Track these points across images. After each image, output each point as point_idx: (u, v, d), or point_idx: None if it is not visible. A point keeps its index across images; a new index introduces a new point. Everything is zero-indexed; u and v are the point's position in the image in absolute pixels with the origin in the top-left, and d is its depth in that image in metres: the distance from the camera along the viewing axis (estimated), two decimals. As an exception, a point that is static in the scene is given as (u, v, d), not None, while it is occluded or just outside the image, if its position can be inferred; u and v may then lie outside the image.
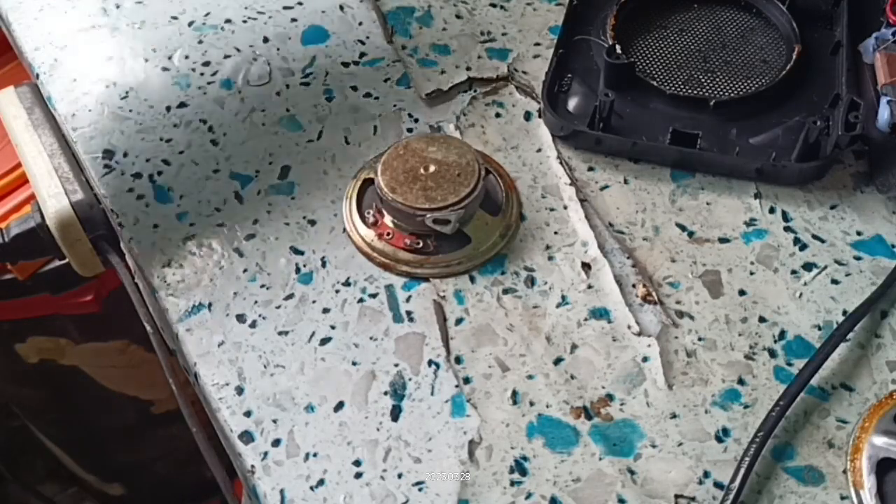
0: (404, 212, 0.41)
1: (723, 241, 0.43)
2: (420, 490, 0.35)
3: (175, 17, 0.53)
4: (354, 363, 0.39)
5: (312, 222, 0.44)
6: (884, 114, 0.44)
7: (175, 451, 0.93)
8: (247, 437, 0.37)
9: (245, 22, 0.53)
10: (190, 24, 0.53)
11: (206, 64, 0.51)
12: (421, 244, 0.42)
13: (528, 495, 0.35)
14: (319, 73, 0.50)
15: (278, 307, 0.41)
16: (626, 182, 0.45)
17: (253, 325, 0.40)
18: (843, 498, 0.35)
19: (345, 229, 0.43)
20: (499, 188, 0.44)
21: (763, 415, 0.36)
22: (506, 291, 0.41)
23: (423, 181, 0.41)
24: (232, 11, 0.53)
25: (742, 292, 0.41)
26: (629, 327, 0.40)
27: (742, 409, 0.37)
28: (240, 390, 0.38)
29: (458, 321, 0.40)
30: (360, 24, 0.53)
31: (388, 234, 0.42)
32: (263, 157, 0.46)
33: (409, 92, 0.49)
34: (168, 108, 0.49)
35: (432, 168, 0.42)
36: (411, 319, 0.40)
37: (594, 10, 0.51)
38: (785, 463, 0.36)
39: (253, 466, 0.36)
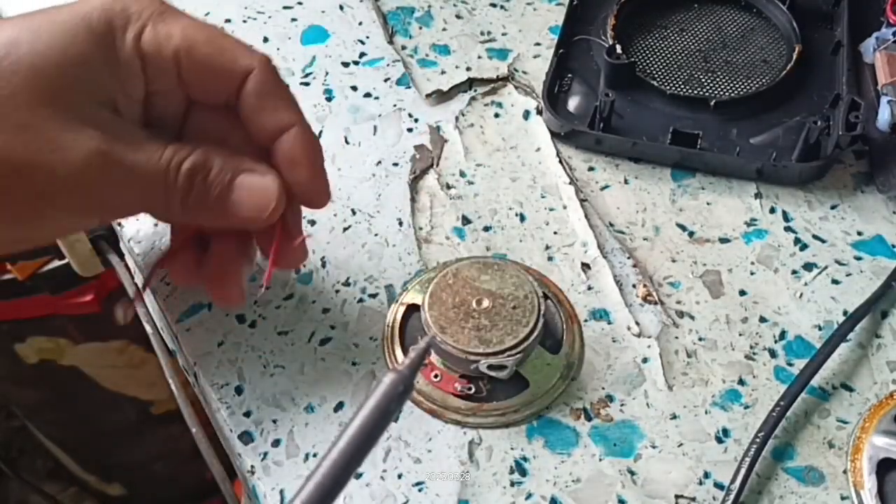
0: (455, 356, 0.36)
1: (723, 241, 0.43)
2: (420, 490, 0.35)
3: (175, 17, 0.53)
4: (354, 363, 0.39)
5: (312, 222, 0.44)
6: (884, 114, 0.44)
7: (175, 451, 0.93)
8: (246, 437, 0.37)
9: (245, 22, 0.53)
10: (190, 23, 0.53)
11: (206, 64, 0.51)
12: (473, 389, 0.37)
13: (528, 496, 0.35)
14: (319, 72, 0.50)
15: (278, 307, 0.41)
16: (626, 182, 0.45)
17: (253, 325, 0.40)
18: (843, 498, 0.35)
19: (388, 366, 0.39)
20: (558, 318, 0.39)
21: (763, 415, 0.36)
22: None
23: (477, 319, 0.36)
24: (231, 11, 0.53)
25: (742, 292, 0.41)
26: (629, 328, 0.40)
27: (742, 409, 0.37)
28: (239, 390, 0.38)
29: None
30: (360, 23, 0.53)
31: (437, 375, 0.37)
32: (263, 157, 0.46)
33: (410, 92, 0.49)
34: (168, 108, 0.49)
35: (486, 302, 0.37)
36: (411, 319, 0.40)
37: (594, 9, 0.51)
38: (785, 463, 0.36)
39: (252, 467, 0.36)
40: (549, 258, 0.42)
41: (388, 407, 0.27)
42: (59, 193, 0.30)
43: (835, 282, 0.41)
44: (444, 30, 0.53)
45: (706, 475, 0.35)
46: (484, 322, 0.36)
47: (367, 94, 0.49)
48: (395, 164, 0.46)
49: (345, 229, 0.44)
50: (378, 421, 0.27)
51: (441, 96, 0.49)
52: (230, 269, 0.35)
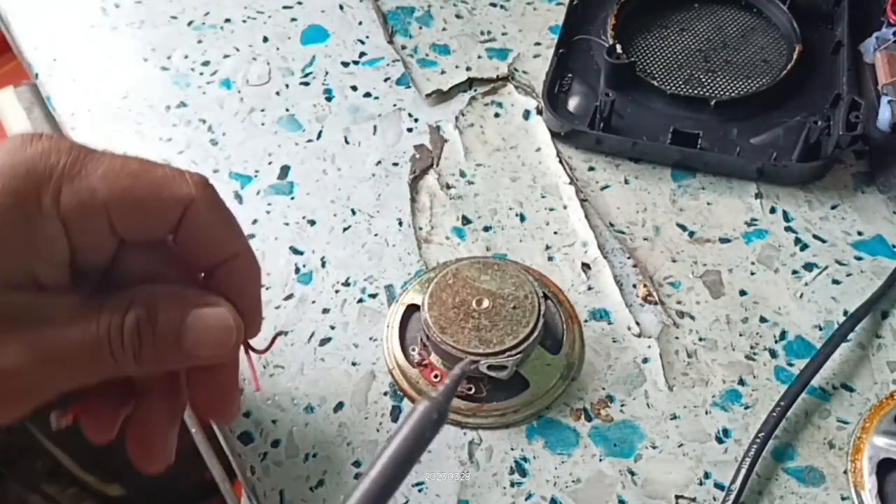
0: (455, 356, 0.36)
1: (724, 241, 0.43)
2: (420, 491, 0.35)
3: (174, 17, 0.53)
4: (354, 363, 0.39)
5: (312, 222, 0.44)
6: (884, 113, 0.44)
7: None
8: (246, 437, 0.36)
9: (244, 21, 0.53)
10: (189, 23, 0.53)
11: (206, 63, 0.51)
12: (473, 390, 0.37)
13: (529, 496, 0.35)
14: (319, 72, 0.50)
15: (278, 307, 0.41)
16: (626, 182, 0.45)
17: (252, 325, 0.40)
18: (843, 498, 0.35)
19: (388, 367, 0.39)
20: (558, 318, 0.39)
21: (764, 415, 0.36)
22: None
23: (477, 319, 0.36)
24: (231, 11, 0.53)
25: (743, 292, 0.41)
26: (629, 328, 0.40)
27: (743, 409, 0.37)
28: (239, 390, 0.38)
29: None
30: (360, 23, 0.53)
31: (437, 376, 0.37)
32: (263, 156, 0.46)
33: (409, 92, 0.49)
34: (167, 108, 0.49)
35: (486, 303, 0.37)
36: (411, 320, 0.40)
37: (594, 9, 0.51)
38: (786, 464, 0.36)
39: (252, 467, 0.36)
40: (550, 258, 0.42)
41: (422, 434, 0.27)
42: None
43: (835, 282, 0.41)
44: (444, 30, 0.53)
45: (706, 475, 0.35)
46: (484, 322, 0.36)
47: (367, 94, 0.49)
48: (395, 164, 0.46)
49: (345, 229, 0.43)
50: (412, 449, 0.27)
51: (441, 96, 0.49)
52: (157, 428, 0.32)
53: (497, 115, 0.49)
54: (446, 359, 0.37)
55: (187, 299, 0.30)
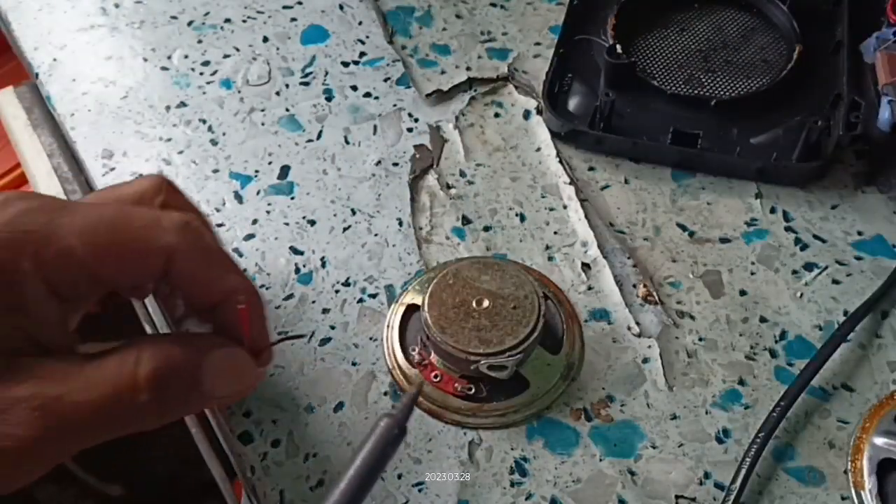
0: (455, 356, 0.36)
1: (724, 241, 0.43)
2: (420, 491, 0.35)
3: (174, 17, 0.53)
4: (354, 363, 0.39)
5: (312, 222, 0.44)
6: (884, 114, 0.44)
7: (175, 452, 0.93)
8: (246, 437, 0.36)
9: (244, 21, 0.53)
10: (189, 23, 0.53)
11: (206, 63, 0.51)
12: (473, 389, 0.37)
13: (529, 496, 0.35)
14: (319, 72, 0.50)
15: (278, 307, 0.41)
16: (626, 182, 0.45)
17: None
18: (843, 498, 0.35)
19: (388, 367, 0.39)
20: (558, 318, 0.39)
21: (764, 415, 0.36)
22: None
23: (477, 319, 0.36)
24: (231, 11, 0.53)
25: (743, 292, 0.41)
26: (629, 328, 0.40)
27: (743, 409, 0.37)
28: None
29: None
30: (360, 23, 0.53)
31: (437, 376, 0.37)
32: (263, 156, 0.46)
33: (409, 92, 0.49)
34: (167, 108, 0.49)
35: (486, 303, 0.36)
36: (411, 320, 0.40)
37: (595, 9, 0.51)
38: (786, 464, 0.36)
39: (252, 467, 0.36)
40: (550, 258, 0.42)
41: (384, 450, 0.29)
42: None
43: (835, 282, 0.41)
44: (444, 30, 0.53)
45: (706, 475, 0.35)
46: (484, 322, 0.36)
47: (367, 94, 0.49)
48: (395, 164, 0.46)
49: (345, 229, 0.43)
50: (376, 463, 0.29)
51: (441, 96, 0.49)
52: None
53: (497, 115, 0.49)
54: (446, 359, 0.37)
55: (200, 344, 0.30)
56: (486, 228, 0.44)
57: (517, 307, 0.36)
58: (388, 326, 0.40)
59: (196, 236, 0.30)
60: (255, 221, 0.44)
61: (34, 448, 0.27)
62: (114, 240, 0.28)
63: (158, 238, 0.29)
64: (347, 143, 0.47)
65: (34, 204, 0.28)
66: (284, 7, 0.54)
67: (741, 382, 0.38)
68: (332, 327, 0.40)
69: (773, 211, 0.44)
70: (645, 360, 0.39)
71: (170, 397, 0.29)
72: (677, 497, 0.35)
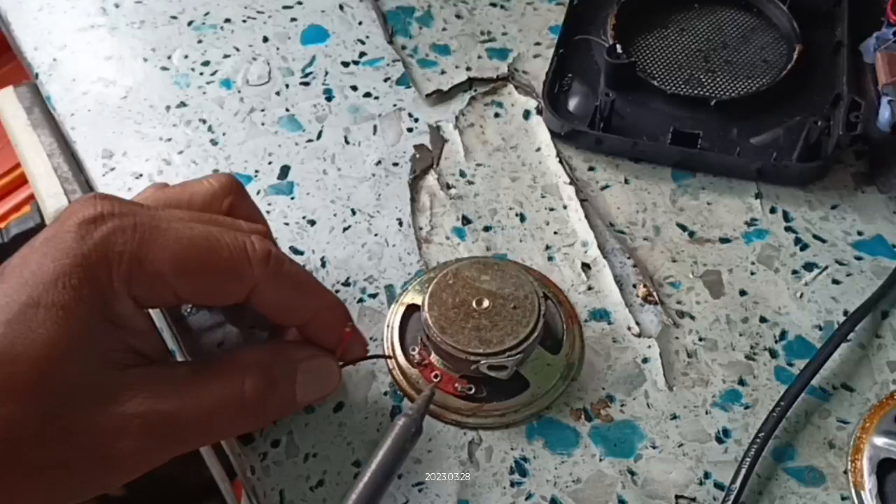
0: (455, 356, 0.36)
1: (724, 241, 0.43)
2: (420, 491, 0.35)
3: (174, 17, 0.53)
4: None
5: (312, 222, 0.44)
6: (884, 114, 0.44)
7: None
8: (246, 437, 0.36)
9: (244, 21, 0.53)
10: (189, 23, 0.53)
11: (206, 63, 0.51)
12: (473, 389, 0.37)
13: (529, 496, 0.35)
14: (319, 72, 0.50)
15: (278, 307, 0.41)
16: (626, 182, 0.45)
17: (252, 325, 0.40)
18: (843, 498, 0.35)
19: (388, 367, 0.38)
20: (558, 318, 0.39)
21: (764, 415, 0.36)
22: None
23: (477, 319, 0.36)
24: (231, 11, 0.53)
25: (743, 292, 0.41)
26: (629, 328, 0.40)
27: (743, 409, 0.37)
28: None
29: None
30: (360, 23, 0.53)
31: (437, 376, 0.37)
32: (263, 156, 0.46)
33: (409, 92, 0.49)
34: (167, 108, 0.49)
35: (486, 303, 0.36)
36: (411, 320, 0.40)
37: (595, 9, 0.51)
38: (786, 463, 0.36)
39: (252, 467, 0.36)
40: (550, 258, 0.42)
41: (402, 447, 0.32)
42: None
43: (835, 282, 0.41)
44: (444, 30, 0.53)
45: (706, 475, 0.35)
46: (484, 322, 0.36)
47: (367, 94, 0.49)
48: (395, 164, 0.46)
49: (345, 229, 0.43)
50: (394, 460, 0.31)
51: (441, 96, 0.49)
52: None
53: (497, 115, 0.49)
54: (446, 359, 0.37)
55: (294, 357, 0.33)
56: (486, 228, 0.44)
57: (517, 307, 0.36)
58: (388, 326, 0.40)
59: (278, 266, 0.31)
60: (255, 221, 0.44)
61: (144, 458, 0.30)
62: (201, 269, 0.30)
63: (244, 271, 0.30)
64: (347, 143, 0.47)
65: (127, 223, 0.29)
66: (284, 7, 0.54)
67: (741, 382, 0.38)
68: (332, 327, 0.40)
69: (773, 211, 0.44)
70: (645, 360, 0.39)
71: (268, 408, 0.32)
72: (677, 497, 0.35)
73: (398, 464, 0.31)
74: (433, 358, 0.37)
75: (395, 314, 0.40)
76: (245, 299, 0.31)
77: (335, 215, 0.44)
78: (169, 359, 0.31)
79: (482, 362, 0.35)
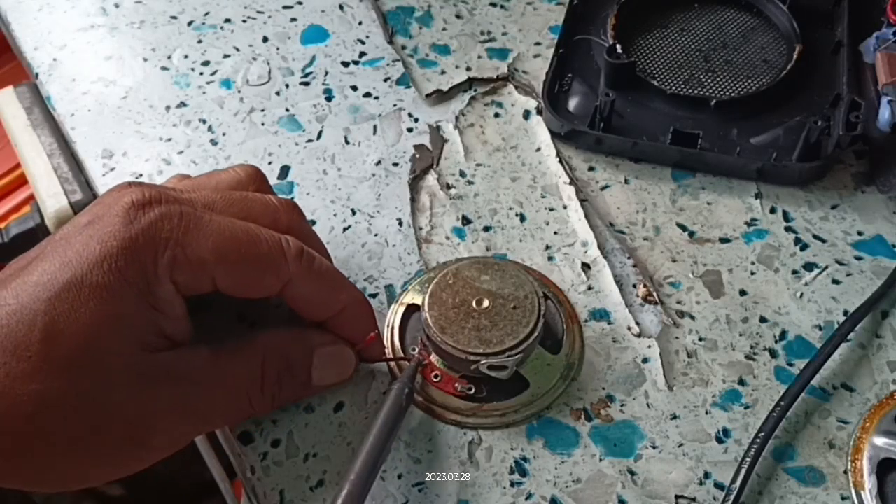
0: (455, 356, 0.36)
1: (724, 241, 0.43)
2: (420, 491, 0.35)
3: (174, 17, 0.53)
4: (354, 363, 0.39)
5: (312, 222, 0.44)
6: (884, 114, 0.44)
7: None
8: (246, 437, 0.36)
9: (244, 21, 0.53)
10: (189, 23, 0.53)
11: (206, 63, 0.51)
12: (473, 389, 0.37)
13: (529, 496, 0.35)
14: (319, 72, 0.50)
15: (278, 306, 0.41)
16: (626, 182, 0.45)
17: (252, 325, 0.40)
18: (843, 498, 0.35)
19: (388, 367, 0.38)
20: (558, 318, 0.39)
21: (764, 415, 0.36)
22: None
23: (477, 319, 0.36)
24: (231, 11, 0.53)
25: (743, 292, 0.41)
26: (629, 328, 0.40)
27: (743, 409, 0.37)
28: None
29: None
30: (360, 23, 0.53)
31: (437, 376, 0.37)
32: (263, 156, 0.46)
33: (409, 92, 0.49)
34: (167, 108, 0.49)
35: (486, 303, 0.36)
36: (411, 320, 0.40)
37: (595, 9, 0.51)
38: (786, 463, 0.36)
39: (252, 467, 0.36)
40: (550, 258, 0.42)
41: (400, 408, 0.34)
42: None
43: (835, 282, 0.41)
44: (444, 30, 0.53)
45: (706, 475, 0.35)
46: (484, 322, 0.36)
47: (367, 94, 0.49)
48: (395, 164, 0.46)
49: (345, 229, 0.43)
50: (395, 420, 0.34)
51: (441, 96, 0.49)
52: None
53: (497, 115, 0.49)
54: (446, 359, 0.37)
55: (311, 342, 0.34)
56: (486, 228, 0.44)
57: (517, 307, 0.36)
58: (387, 326, 0.40)
59: (310, 262, 0.33)
60: (255, 221, 0.44)
61: (172, 439, 0.31)
62: (241, 260, 0.31)
63: (280, 266, 0.32)
64: (347, 143, 0.47)
65: (172, 210, 0.30)
66: (284, 7, 0.54)
67: (741, 382, 0.38)
68: (332, 327, 0.40)
69: (773, 211, 0.44)
70: (645, 360, 0.39)
71: (284, 390, 0.34)
72: (677, 497, 0.35)
73: (397, 425, 0.34)
74: (433, 358, 0.37)
75: (395, 314, 0.40)
76: (279, 293, 0.32)
77: (335, 215, 0.44)
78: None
79: (482, 362, 0.35)
